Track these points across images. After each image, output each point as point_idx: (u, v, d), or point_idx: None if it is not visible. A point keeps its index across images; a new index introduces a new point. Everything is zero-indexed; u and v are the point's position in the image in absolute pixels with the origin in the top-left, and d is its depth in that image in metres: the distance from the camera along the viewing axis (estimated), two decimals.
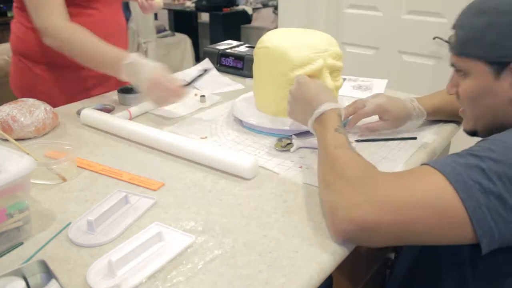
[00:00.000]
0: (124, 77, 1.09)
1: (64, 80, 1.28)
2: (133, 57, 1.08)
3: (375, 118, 1.00)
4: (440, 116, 1.04)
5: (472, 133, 0.78)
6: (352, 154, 0.71)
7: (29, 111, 1.01)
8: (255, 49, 1.06)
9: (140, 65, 1.07)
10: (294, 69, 0.96)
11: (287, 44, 0.97)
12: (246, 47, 1.56)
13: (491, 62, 0.68)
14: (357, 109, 0.99)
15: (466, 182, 0.58)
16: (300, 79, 0.89)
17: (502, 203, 0.56)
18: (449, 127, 1.06)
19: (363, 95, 1.26)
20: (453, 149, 1.23)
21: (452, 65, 0.75)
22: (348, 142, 0.74)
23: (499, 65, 0.67)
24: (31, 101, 1.05)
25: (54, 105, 1.13)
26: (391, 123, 0.98)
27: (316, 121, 0.81)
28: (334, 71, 1.01)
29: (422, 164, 0.65)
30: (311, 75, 0.95)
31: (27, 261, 0.63)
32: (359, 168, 0.67)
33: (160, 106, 1.13)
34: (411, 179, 0.63)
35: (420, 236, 0.62)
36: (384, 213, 0.60)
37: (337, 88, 1.04)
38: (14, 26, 1.28)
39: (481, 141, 0.66)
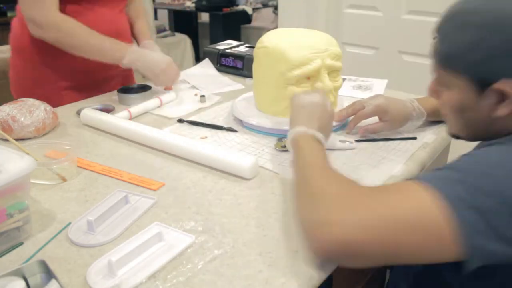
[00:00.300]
0: (129, 61, 1.18)
1: (57, 79, 1.27)
2: (143, 44, 1.34)
3: (375, 119, 1.00)
4: (440, 116, 1.03)
5: (456, 137, 0.77)
6: (331, 171, 0.68)
7: (29, 111, 1.01)
8: (255, 49, 1.06)
9: (151, 52, 1.26)
10: (292, 69, 0.96)
11: (286, 44, 0.97)
12: (246, 47, 1.56)
13: (475, 80, 0.65)
14: (356, 111, 0.98)
15: (451, 198, 0.56)
16: (293, 100, 0.87)
17: (485, 220, 0.55)
18: None
19: (363, 95, 1.26)
20: (453, 149, 1.23)
21: (434, 72, 0.72)
22: (326, 159, 0.72)
23: (483, 83, 0.64)
24: (31, 101, 1.05)
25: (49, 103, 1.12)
26: (391, 124, 0.98)
27: (292, 141, 0.78)
28: (333, 71, 1.01)
29: (406, 180, 0.63)
30: (309, 75, 0.95)
31: (27, 261, 0.63)
32: (338, 185, 0.64)
33: (162, 86, 1.29)
34: (396, 196, 0.59)
35: (405, 255, 0.59)
36: (367, 232, 0.57)
37: (337, 88, 1.04)
38: (14, 22, 1.28)
39: (465, 155, 0.63)
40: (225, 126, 1.06)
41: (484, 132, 0.71)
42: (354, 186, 0.64)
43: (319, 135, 0.77)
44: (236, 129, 1.05)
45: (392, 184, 0.66)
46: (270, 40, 1.01)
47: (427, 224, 0.56)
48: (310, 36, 1.02)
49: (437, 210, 0.56)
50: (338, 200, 0.60)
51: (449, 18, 0.68)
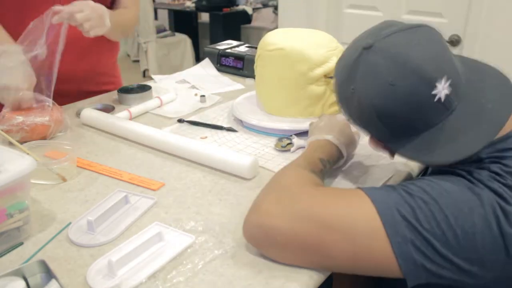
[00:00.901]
0: None
1: None
2: None
3: None
4: None
5: None
6: (302, 170, 0.69)
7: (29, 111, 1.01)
8: (262, 51, 1.04)
9: None
10: (313, 68, 0.97)
11: (302, 44, 0.98)
12: (246, 47, 1.56)
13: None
14: None
15: (395, 217, 0.56)
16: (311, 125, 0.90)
17: (429, 245, 0.54)
18: None
19: None
20: None
21: None
22: (313, 160, 0.73)
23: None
24: None
25: None
26: None
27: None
28: None
29: (358, 188, 0.62)
30: (329, 73, 0.97)
31: (27, 261, 0.63)
32: (297, 181, 0.65)
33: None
34: (340, 200, 0.60)
35: (333, 260, 0.59)
36: (290, 222, 0.57)
37: None
38: None
39: (419, 179, 0.63)
40: (225, 126, 1.06)
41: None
42: (308, 186, 0.64)
43: (330, 137, 0.79)
44: (236, 129, 1.05)
45: (343, 189, 0.67)
46: (282, 41, 1.00)
47: (358, 234, 0.56)
48: (316, 36, 1.03)
49: (376, 226, 0.56)
50: (281, 193, 0.62)
51: (337, 64, 0.71)
